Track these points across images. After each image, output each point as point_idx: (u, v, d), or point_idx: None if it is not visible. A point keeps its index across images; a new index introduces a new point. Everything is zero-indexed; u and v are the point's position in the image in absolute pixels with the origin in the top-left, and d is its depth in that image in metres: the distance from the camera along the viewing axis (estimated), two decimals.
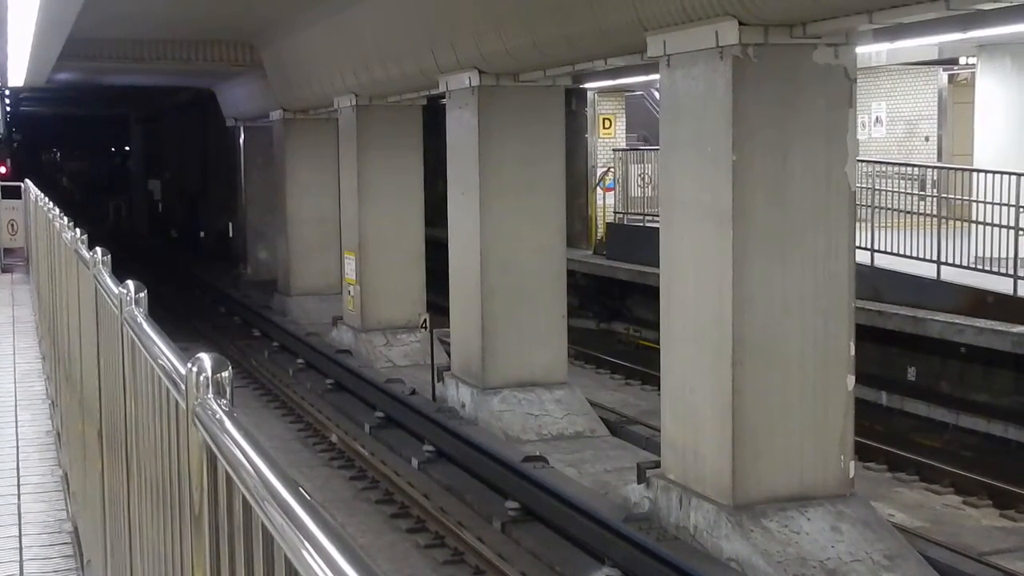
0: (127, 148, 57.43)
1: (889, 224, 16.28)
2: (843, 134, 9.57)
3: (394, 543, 11.03)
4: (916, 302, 14.59)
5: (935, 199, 16.42)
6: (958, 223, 15.42)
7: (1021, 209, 14.01)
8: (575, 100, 23.95)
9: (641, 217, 22.13)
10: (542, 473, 11.39)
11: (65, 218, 8.16)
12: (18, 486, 7.17)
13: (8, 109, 39.61)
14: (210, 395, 2.14)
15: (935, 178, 17.90)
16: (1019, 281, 13.48)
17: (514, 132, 14.30)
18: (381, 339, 18.99)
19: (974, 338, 13.42)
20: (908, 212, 16.52)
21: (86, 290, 5.04)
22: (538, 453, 12.32)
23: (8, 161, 34.47)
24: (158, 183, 46.14)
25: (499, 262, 14.27)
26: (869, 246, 15.42)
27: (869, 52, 17.53)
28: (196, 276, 31.83)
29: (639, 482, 10.52)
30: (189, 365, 2.23)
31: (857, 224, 10.12)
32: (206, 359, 2.20)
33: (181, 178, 42.20)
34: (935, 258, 14.75)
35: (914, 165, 18.95)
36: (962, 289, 14.17)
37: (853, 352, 9.74)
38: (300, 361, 19.36)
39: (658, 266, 10.55)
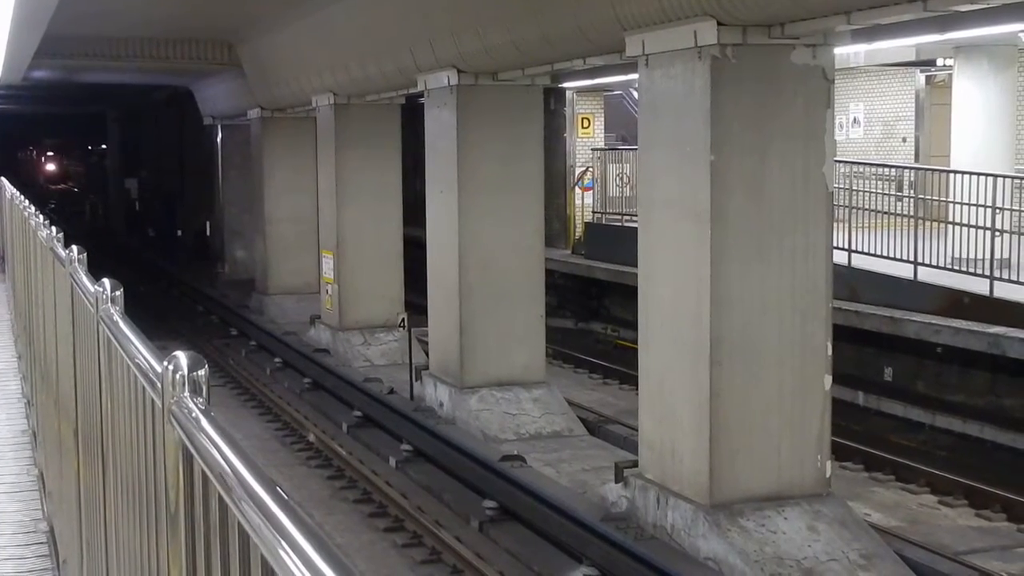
0: (104, 146, 57.11)
1: (866, 225, 16.34)
2: (821, 135, 9.60)
3: (372, 542, 11.01)
4: (893, 302, 14.64)
5: (912, 200, 16.48)
6: (935, 224, 15.49)
7: (997, 210, 14.10)
8: (554, 99, 23.95)
9: (619, 217, 22.14)
10: (520, 472, 11.38)
11: (40, 216, 8.12)
12: None
13: None
14: (186, 394, 2.13)
15: (912, 179, 17.97)
16: (995, 282, 13.55)
17: (493, 131, 14.28)
18: (359, 338, 18.95)
19: (950, 339, 13.48)
20: (885, 213, 16.58)
21: (62, 288, 5.01)
22: (516, 452, 12.31)
23: None
24: (135, 181, 45.88)
25: (477, 261, 14.26)
26: (846, 246, 15.46)
27: (847, 53, 17.57)
28: (173, 275, 31.70)
29: (617, 481, 10.53)
30: (165, 363, 2.21)
31: (834, 224, 10.14)
32: (182, 357, 2.18)
33: (158, 176, 42.00)
34: (912, 259, 14.81)
35: (891, 166, 19.04)
36: (939, 290, 14.23)
37: (830, 352, 9.77)
38: (278, 360, 19.30)
39: (636, 266, 10.56)
